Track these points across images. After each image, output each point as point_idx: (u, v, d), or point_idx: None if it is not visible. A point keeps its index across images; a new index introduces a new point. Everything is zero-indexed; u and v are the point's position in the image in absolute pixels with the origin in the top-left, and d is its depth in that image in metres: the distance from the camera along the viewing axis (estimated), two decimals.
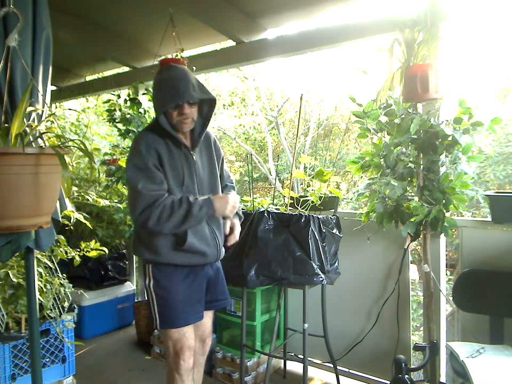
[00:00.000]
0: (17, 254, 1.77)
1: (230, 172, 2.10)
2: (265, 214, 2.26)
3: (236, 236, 1.86)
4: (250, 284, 2.19)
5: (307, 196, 2.45)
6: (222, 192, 1.90)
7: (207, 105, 1.77)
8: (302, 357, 2.19)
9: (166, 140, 1.70)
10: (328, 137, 8.40)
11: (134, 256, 3.85)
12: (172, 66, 1.74)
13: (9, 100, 1.46)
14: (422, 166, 2.10)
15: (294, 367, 2.80)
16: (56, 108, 4.45)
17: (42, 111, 1.54)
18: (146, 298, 1.80)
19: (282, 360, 2.79)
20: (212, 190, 1.82)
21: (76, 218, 2.26)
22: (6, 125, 1.38)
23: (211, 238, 1.76)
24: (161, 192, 1.63)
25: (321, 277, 2.14)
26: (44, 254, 2.26)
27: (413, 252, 4.96)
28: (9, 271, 2.14)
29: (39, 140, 1.44)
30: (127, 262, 3.75)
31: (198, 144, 1.78)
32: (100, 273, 3.49)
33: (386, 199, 2.16)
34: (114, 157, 3.40)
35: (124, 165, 3.08)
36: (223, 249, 1.88)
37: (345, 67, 7.43)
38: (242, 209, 2.35)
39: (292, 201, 2.45)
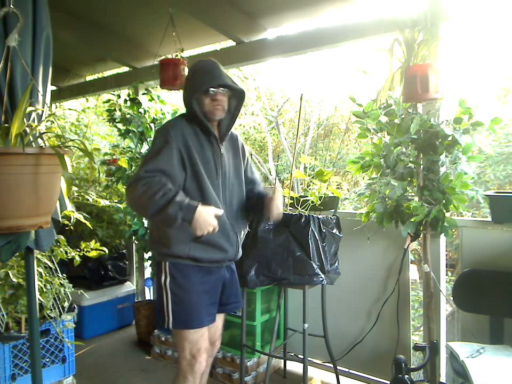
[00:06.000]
0: (17, 254, 1.77)
1: None
2: None
3: (277, 207, 1.75)
4: (250, 284, 2.19)
5: (307, 196, 2.45)
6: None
7: (234, 100, 1.77)
8: (302, 357, 2.19)
9: (197, 129, 1.70)
10: (328, 137, 8.40)
11: (134, 256, 3.85)
12: (205, 59, 1.78)
13: (9, 100, 1.45)
14: (422, 166, 2.10)
15: (294, 367, 2.80)
16: (56, 108, 4.45)
17: (42, 111, 1.54)
18: (157, 297, 1.75)
19: (282, 360, 2.79)
20: (234, 187, 1.80)
21: (76, 218, 2.26)
22: (6, 125, 1.38)
23: (232, 233, 1.74)
24: (158, 178, 1.58)
25: (321, 277, 2.14)
26: (44, 254, 2.26)
27: (413, 251, 4.96)
28: (9, 271, 2.13)
29: (39, 140, 1.44)
30: (127, 262, 3.75)
31: (226, 137, 1.77)
32: (100, 273, 3.49)
33: (386, 199, 2.15)
34: (114, 157, 3.40)
35: (124, 165, 3.08)
36: (241, 249, 1.85)
37: (345, 67, 7.43)
38: None
39: (292, 201, 2.45)
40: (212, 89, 1.65)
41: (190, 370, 1.72)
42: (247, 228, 1.90)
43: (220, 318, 1.90)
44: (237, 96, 1.76)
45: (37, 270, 1.99)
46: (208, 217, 1.54)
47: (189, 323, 1.69)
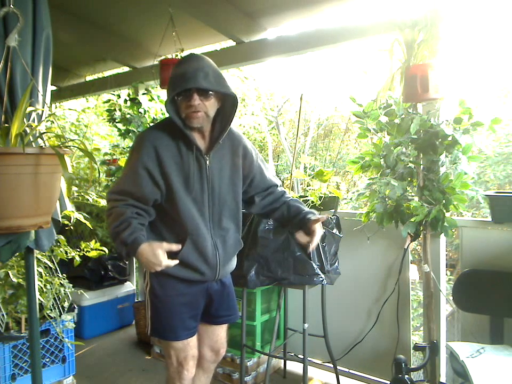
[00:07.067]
0: (17, 254, 1.77)
1: None
2: None
3: (314, 242, 1.61)
4: (250, 284, 2.19)
5: (307, 196, 2.45)
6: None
7: (229, 104, 1.55)
8: (302, 357, 2.19)
9: (178, 139, 1.52)
10: (328, 137, 8.40)
11: None
12: (191, 54, 1.55)
13: (9, 100, 1.46)
14: (422, 166, 2.10)
15: (294, 367, 2.80)
16: (56, 107, 4.45)
17: (42, 111, 1.54)
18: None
19: (282, 360, 2.79)
20: (226, 202, 1.63)
21: (76, 218, 2.26)
22: (6, 125, 1.38)
23: (212, 255, 1.60)
24: (126, 202, 1.52)
25: (321, 277, 2.14)
26: (44, 254, 2.26)
27: (413, 251, 4.96)
28: (9, 271, 2.14)
29: (39, 140, 1.44)
30: (127, 262, 3.75)
31: (214, 147, 1.56)
32: (100, 273, 3.49)
33: (386, 199, 2.15)
34: (114, 157, 3.40)
35: (124, 165, 3.08)
36: (228, 267, 1.71)
37: (345, 67, 7.43)
38: (243, 209, 2.32)
39: None
40: (184, 93, 1.45)
41: (178, 377, 1.69)
42: (241, 245, 1.75)
43: (220, 327, 1.82)
44: (230, 100, 1.54)
45: (37, 270, 1.99)
46: (151, 257, 1.44)
47: (165, 334, 1.65)
